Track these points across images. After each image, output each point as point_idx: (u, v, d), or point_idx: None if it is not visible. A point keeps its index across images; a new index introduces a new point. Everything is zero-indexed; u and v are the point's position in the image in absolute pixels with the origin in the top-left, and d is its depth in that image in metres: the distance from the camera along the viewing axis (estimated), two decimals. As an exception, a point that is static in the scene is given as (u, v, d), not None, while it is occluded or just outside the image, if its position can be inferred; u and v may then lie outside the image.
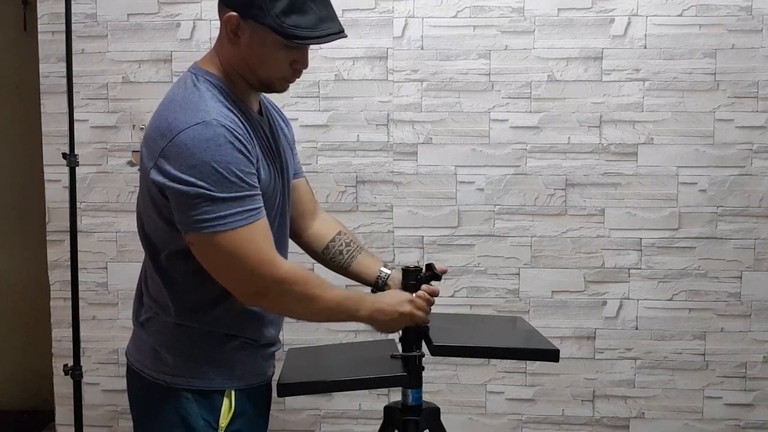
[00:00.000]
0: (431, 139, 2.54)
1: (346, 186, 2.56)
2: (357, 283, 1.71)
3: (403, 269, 1.63)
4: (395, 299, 1.51)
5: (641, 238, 2.53)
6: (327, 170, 2.56)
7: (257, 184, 1.31)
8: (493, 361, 2.57)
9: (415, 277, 1.61)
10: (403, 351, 1.63)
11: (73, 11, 2.43)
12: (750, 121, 2.48)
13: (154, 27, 2.58)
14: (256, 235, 1.28)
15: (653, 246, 2.52)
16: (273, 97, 1.59)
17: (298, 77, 1.44)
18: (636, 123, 2.50)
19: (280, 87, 1.42)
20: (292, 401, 2.61)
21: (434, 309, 1.63)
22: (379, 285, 1.66)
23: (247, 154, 1.29)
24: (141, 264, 1.51)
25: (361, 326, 2.56)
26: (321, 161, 2.56)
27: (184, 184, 1.24)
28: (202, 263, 1.33)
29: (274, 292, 1.33)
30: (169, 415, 1.40)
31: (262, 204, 1.31)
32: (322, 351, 1.87)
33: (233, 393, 1.42)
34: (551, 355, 1.62)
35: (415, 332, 1.61)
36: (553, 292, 2.56)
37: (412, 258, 2.54)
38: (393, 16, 2.52)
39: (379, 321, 1.48)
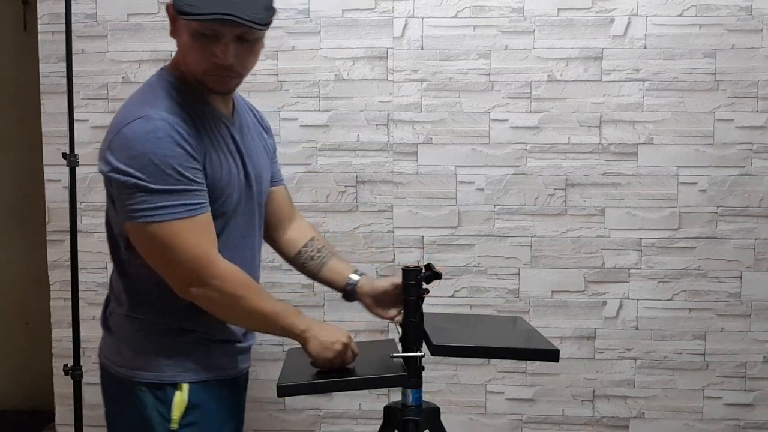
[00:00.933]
0: (431, 139, 2.54)
1: (346, 186, 2.56)
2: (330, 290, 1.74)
3: (403, 269, 1.63)
4: (334, 333, 1.54)
5: (641, 238, 2.53)
6: (327, 170, 2.56)
7: (200, 180, 1.32)
8: (493, 361, 2.57)
9: (415, 277, 1.61)
10: (403, 351, 1.62)
11: (73, 11, 2.43)
12: (750, 121, 2.48)
13: (154, 27, 2.58)
14: (192, 229, 1.30)
15: (653, 246, 2.52)
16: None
17: (232, 73, 1.40)
18: (636, 123, 2.50)
19: (212, 83, 1.39)
20: (292, 401, 2.61)
21: (434, 309, 1.63)
22: (348, 291, 1.69)
23: (189, 150, 1.30)
24: None
25: (361, 326, 2.57)
26: (321, 161, 2.56)
27: (123, 174, 1.27)
28: (140, 252, 1.36)
29: (205, 288, 1.34)
30: (128, 407, 1.43)
31: (203, 201, 1.33)
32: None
33: (186, 386, 1.42)
34: (551, 355, 1.62)
35: (415, 332, 1.61)
36: (553, 292, 2.56)
37: (412, 258, 2.54)
38: (393, 16, 2.52)
39: (314, 342, 1.50)
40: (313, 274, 1.73)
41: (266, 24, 1.39)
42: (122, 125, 1.30)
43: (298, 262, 1.73)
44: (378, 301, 1.71)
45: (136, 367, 1.42)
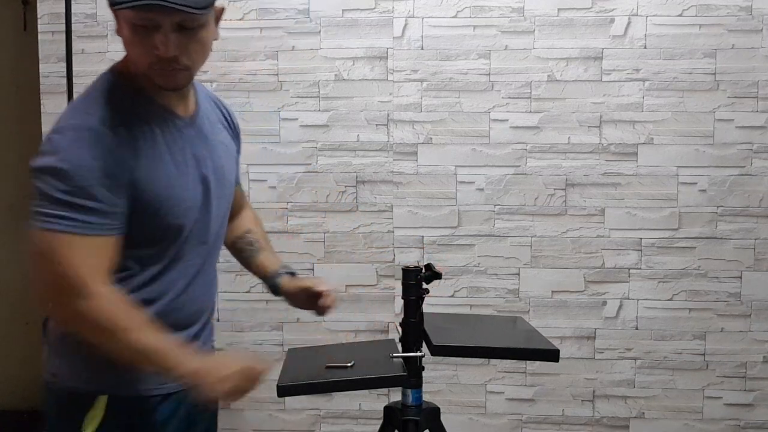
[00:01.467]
0: (431, 139, 2.54)
1: (346, 186, 2.56)
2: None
3: (403, 269, 1.63)
4: (228, 361, 1.36)
5: (641, 238, 2.53)
6: (327, 170, 2.56)
7: (111, 202, 1.25)
8: (493, 361, 2.57)
9: (415, 277, 1.61)
10: (403, 351, 1.62)
11: (72, 11, 2.44)
12: (750, 121, 2.48)
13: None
14: (79, 248, 1.23)
15: (653, 246, 2.52)
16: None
17: (177, 66, 1.29)
18: (636, 123, 2.50)
19: (158, 79, 1.30)
20: (291, 401, 2.60)
21: (434, 309, 1.63)
22: (274, 287, 1.63)
23: (110, 167, 1.24)
24: None
25: (362, 326, 2.58)
26: (321, 161, 2.56)
27: (37, 176, 1.25)
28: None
29: (71, 311, 1.25)
30: (55, 416, 1.41)
31: (105, 222, 1.25)
32: (322, 351, 1.87)
33: (103, 399, 1.35)
34: (551, 355, 1.62)
35: (415, 332, 1.61)
36: (553, 292, 2.56)
37: (412, 258, 2.54)
38: (393, 16, 2.52)
39: (207, 377, 1.29)
40: (245, 266, 1.70)
41: (203, 8, 1.25)
42: (53, 130, 1.28)
43: (231, 250, 1.70)
44: (293, 301, 1.65)
45: (61, 373, 1.39)
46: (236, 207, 1.66)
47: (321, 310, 1.61)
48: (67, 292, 1.24)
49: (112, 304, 1.26)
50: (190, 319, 1.44)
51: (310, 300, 1.61)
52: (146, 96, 1.33)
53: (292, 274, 1.66)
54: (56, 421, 1.40)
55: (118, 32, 1.30)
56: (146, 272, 1.36)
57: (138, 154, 1.29)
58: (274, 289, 1.64)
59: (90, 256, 1.25)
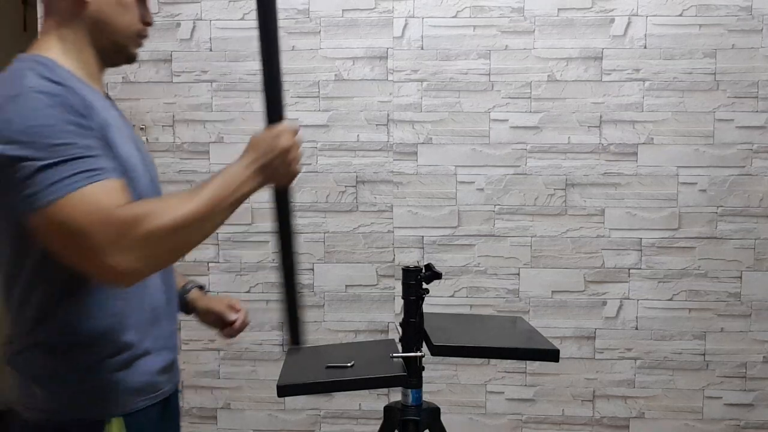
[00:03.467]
0: (431, 139, 2.54)
1: (346, 186, 2.56)
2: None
3: (403, 269, 1.63)
4: (265, 142, 1.23)
5: (641, 238, 2.52)
6: (327, 170, 2.56)
7: (99, 149, 1.13)
8: (493, 361, 2.57)
9: (415, 277, 1.61)
10: (403, 351, 1.62)
11: (72, 11, 2.43)
12: (750, 121, 2.48)
13: (154, 27, 2.56)
14: (98, 194, 1.07)
15: (653, 246, 2.52)
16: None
17: (146, 38, 1.32)
18: (636, 123, 2.50)
19: (134, 48, 1.30)
20: (291, 401, 2.60)
21: (434, 309, 1.63)
22: (182, 303, 1.54)
23: (82, 121, 1.12)
24: None
25: (362, 326, 2.57)
26: (321, 161, 2.56)
27: (8, 161, 1.06)
28: (52, 249, 1.12)
29: (136, 244, 1.07)
30: None
31: (108, 167, 1.12)
32: (322, 351, 1.87)
33: (119, 420, 1.23)
34: (551, 355, 1.62)
35: (415, 332, 1.61)
36: (553, 292, 2.56)
37: (412, 258, 2.54)
38: (393, 16, 2.52)
39: (272, 173, 1.23)
40: None
41: None
42: None
43: None
44: (202, 319, 1.57)
45: (52, 408, 1.20)
46: None
47: (227, 335, 1.55)
48: (122, 235, 1.06)
49: (158, 206, 1.11)
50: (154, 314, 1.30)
51: (219, 323, 1.55)
52: (74, 73, 1.22)
53: (201, 287, 1.58)
54: None
55: (99, 6, 1.23)
56: None
57: (99, 118, 1.18)
58: (184, 305, 1.53)
59: (111, 196, 1.09)
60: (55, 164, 1.06)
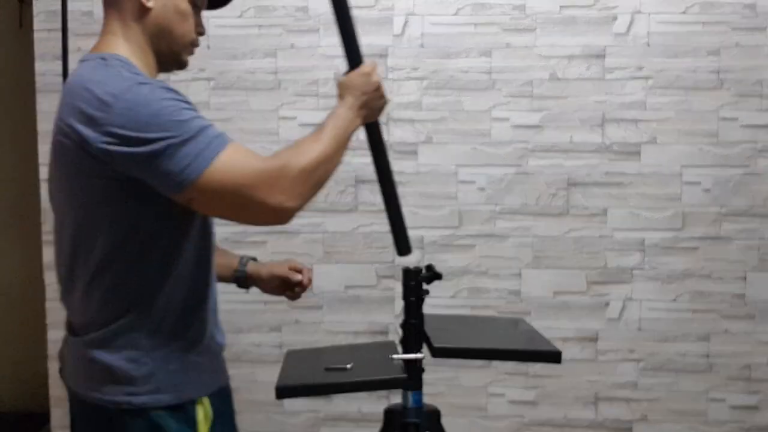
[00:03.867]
0: (432, 138, 2.51)
1: (345, 186, 2.54)
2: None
3: (403, 270, 1.62)
4: (358, 82, 1.41)
5: (644, 239, 2.50)
6: (326, 169, 2.54)
7: (204, 117, 1.24)
8: (495, 363, 2.55)
9: (415, 278, 1.59)
10: (403, 353, 1.60)
11: (69, 9, 2.42)
12: (754, 119, 2.45)
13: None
14: (236, 151, 1.21)
15: (656, 246, 2.50)
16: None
17: (197, 47, 1.41)
18: (639, 122, 2.47)
19: (186, 56, 1.38)
20: (291, 403, 2.58)
21: (435, 310, 1.61)
22: (240, 278, 1.61)
23: (182, 96, 1.24)
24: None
25: (361, 327, 2.56)
26: (320, 160, 2.54)
27: (149, 143, 1.16)
28: (213, 213, 1.28)
29: (292, 179, 1.22)
30: None
31: (219, 130, 1.24)
32: (321, 352, 1.85)
33: (206, 399, 1.32)
34: (553, 356, 1.60)
35: (416, 334, 1.59)
36: (554, 293, 2.53)
37: (412, 258, 2.51)
38: (393, 14, 2.50)
39: (370, 109, 1.43)
40: None
41: None
42: (114, 100, 1.17)
43: None
44: (265, 287, 1.64)
45: (147, 391, 1.26)
46: None
47: (293, 296, 1.62)
48: (280, 180, 1.21)
49: (296, 152, 1.26)
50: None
51: (283, 287, 1.61)
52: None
53: (254, 260, 1.65)
54: None
55: (162, 8, 1.30)
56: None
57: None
58: (242, 279, 1.60)
59: (245, 151, 1.23)
60: (191, 138, 1.17)
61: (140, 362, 1.26)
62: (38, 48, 2.58)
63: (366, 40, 2.50)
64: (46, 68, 2.58)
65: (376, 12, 2.49)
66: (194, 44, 1.38)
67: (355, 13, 2.49)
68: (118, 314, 1.26)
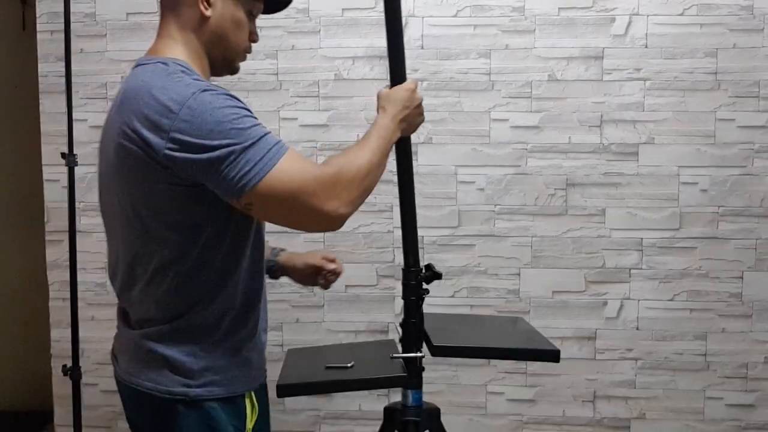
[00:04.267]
0: (431, 138, 2.53)
1: (345, 186, 2.55)
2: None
3: (403, 269, 1.63)
4: (402, 96, 1.49)
5: (642, 238, 2.52)
6: (327, 170, 2.55)
7: (263, 124, 1.29)
8: (494, 361, 2.56)
9: (415, 277, 1.60)
10: (403, 351, 1.62)
11: (72, 10, 2.42)
12: (751, 120, 2.47)
13: (153, 26, 2.54)
14: (295, 159, 1.26)
15: (654, 246, 2.51)
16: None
17: (249, 54, 1.45)
18: (637, 123, 2.49)
19: (239, 62, 1.42)
20: (291, 402, 2.60)
21: (434, 310, 1.62)
22: (272, 269, 1.69)
23: (243, 103, 1.28)
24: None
25: (361, 327, 2.57)
26: (321, 161, 2.55)
27: (212, 150, 1.20)
28: (268, 219, 1.32)
29: (344, 186, 1.28)
30: (190, 429, 1.33)
31: (277, 138, 1.29)
32: (322, 351, 1.87)
33: (252, 393, 1.40)
34: (552, 355, 1.61)
35: (415, 333, 1.60)
36: (553, 292, 2.55)
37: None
38: (393, 16, 2.50)
39: (409, 123, 1.50)
40: None
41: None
42: (178, 107, 1.20)
43: None
44: (297, 276, 1.72)
45: (202, 384, 1.32)
46: None
47: (326, 285, 1.70)
48: (332, 188, 1.27)
49: (333, 163, 1.31)
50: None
51: (314, 276, 1.69)
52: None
53: (283, 251, 1.72)
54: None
55: (220, 14, 1.34)
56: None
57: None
58: (274, 269, 1.67)
59: (301, 157, 1.29)
60: (254, 144, 1.21)
61: (198, 356, 1.32)
62: (41, 49, 2.60)
63: (366, 42, 2.52)
64: (48, 70, 2.59)
65: (377, 14, 2.51)
66: (247, 51, 1.42)
67: (356, 15, 2.53)
68: (179, 313, 1.32)
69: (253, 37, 1.42)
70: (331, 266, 1.70)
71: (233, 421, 1.35)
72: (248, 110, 1.26)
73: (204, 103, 1.21)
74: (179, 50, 1.34)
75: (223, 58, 1.38)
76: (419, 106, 1.51)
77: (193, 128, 1.19)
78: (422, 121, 1.54)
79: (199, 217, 1.28)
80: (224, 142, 1.20)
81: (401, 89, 1.49)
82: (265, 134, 1.24)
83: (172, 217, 1.28)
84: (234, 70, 1.43)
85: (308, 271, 1.70)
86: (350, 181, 1.29)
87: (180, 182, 1.24)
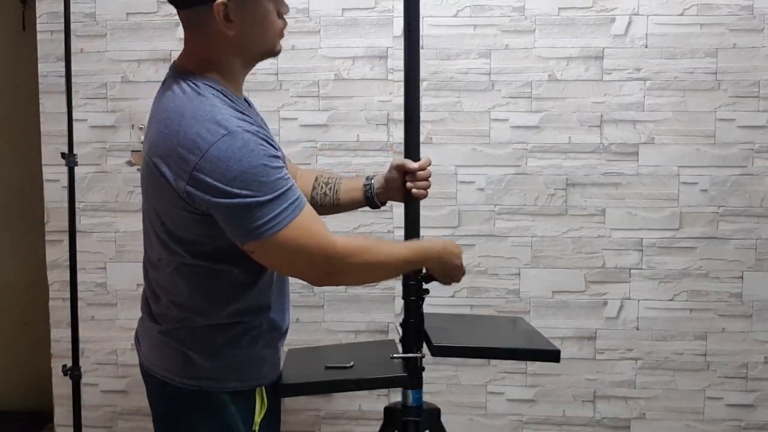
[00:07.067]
0: (431, 138, 2.53)
1: (345, 186, 2.55)
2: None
3: (403, 269, 1.63)
4: (454, 255, 1.56)
5: (642, 238, 2.52)
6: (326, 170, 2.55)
7: (288, 177, 1.30)
8: (494, 361, 2.57)
9: (415, 278, 1.61)
10: (403, 351, 1.62)
11: (72, 10, 2.43)
12: (751, 120, 2.47)
13: (153, 26, 2.57)
14: (306, 222, 1.29)
15: (654, 246, 2.51)
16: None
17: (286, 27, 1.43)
18: (637, 123, 2.49)
19: (279, 45, 1.41)
20: (291, 402, 2.60)
21: (434, 309, 1.62)
22: (370, 196, 1.71)
23: (273, 152, 1.28)
24: (141, 264, 1.49)
25: (361, 326, 2.57)
26: (320, 161, 2.55)
27: (231, 197, 1.22)
28: (266, 265, 1.35)
29: (341, 269, 1.34)
30: (203, 420, 1.39)
31: (300, 192, 1.31)
32: (322, 351, 1.87)
33: (263, 389, 1.44)
34: (552, 355, 1.61)
35: (415, 333, 1.60)
36: (553, 292, 2.55)
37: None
38: (393, 16, 2.51)
39: (446, 264, 1.55)
40: (335, 207, 1.72)
41: None
42: (207, 147, 1.21)
43: (317, 205, 1.69)
44: (391, 192, 1.72)
45: (216, 377, 1.38)
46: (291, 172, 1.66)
47: (420, 193, 1.67)
48: (331, 260, 1.32)
49: (357, 244, 1.37)
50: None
51: (401, 179, 1.67)
52: (232, 92, 1.35)
53: (375, 176, 1.74)
54: (210, 426, 1.39)
55: (242, 17, 1.30)
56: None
57: (272, 137, 1.34)
58: (373, 200, 1.71)
59: (317, 221, 1.32)
60: (272, 200, 1.24)
61: (213, 355, 1.38)
62: (41, 50, 2.60)
63: (366, 42, 2.52)
64: (48, 70, 2.59)
65: (376, 14, 2.51)
66: (282, 31, 1.39)
67: (356, 15, 2.53)
68: (196, 313, 1.37)
69: (282, 14, 1.38)
70: (414, 165, 1.66)
71: (242, 414, 1.40)
72: (275, 150, 1.28)
73: (232, 148, 1.21)
74: (208, 67, 1.33)
75: (260, 54, 1.39)
76: (457, 269, 1.57)
77: (216, 171, 1.21)
78: (450, 282, 1.60)
79: (218, 237, 1.31)
80: (244, 192, 1.22)
81: (457, 252, 1.57)
82: (286, 190, 1.26)
83: (192, 233, 1.32)
84: (275, 53, 1.41)
85: (397, 178, 1.68)
86: (360, 266, 1.36)
87: (197, 211, 1.27)
